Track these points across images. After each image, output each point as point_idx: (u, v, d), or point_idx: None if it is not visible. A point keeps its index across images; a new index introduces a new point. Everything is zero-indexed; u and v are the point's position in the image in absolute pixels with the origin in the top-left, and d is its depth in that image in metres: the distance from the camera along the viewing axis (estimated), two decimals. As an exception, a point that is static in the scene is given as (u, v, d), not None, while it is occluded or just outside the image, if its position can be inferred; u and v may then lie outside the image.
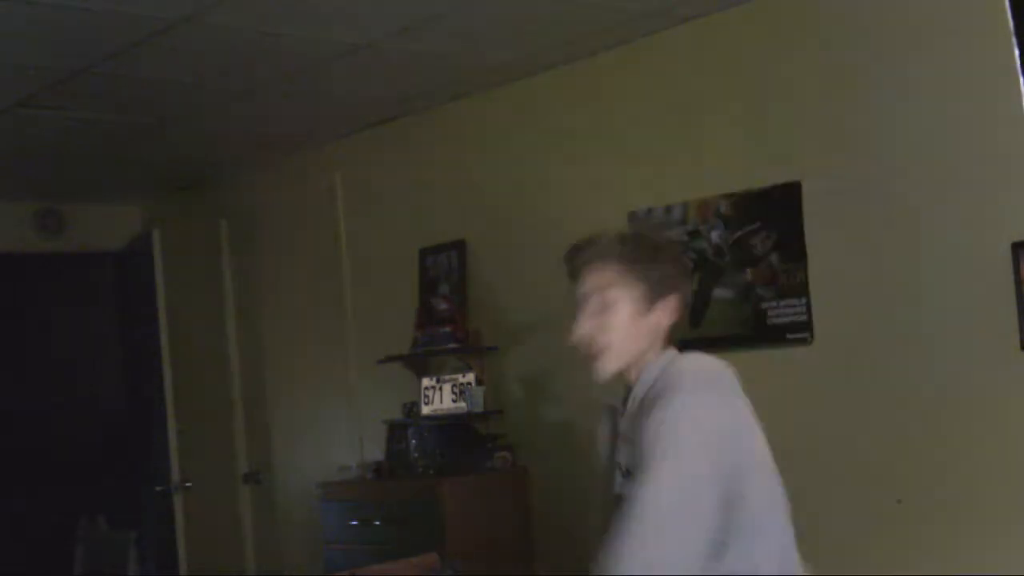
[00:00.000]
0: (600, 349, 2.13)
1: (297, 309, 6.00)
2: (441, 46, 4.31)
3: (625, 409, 2.16)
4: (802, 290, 3.88)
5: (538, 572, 4.64)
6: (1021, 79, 3.36)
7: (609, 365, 2.14)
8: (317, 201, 5.80)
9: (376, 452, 5.29)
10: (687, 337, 3.97)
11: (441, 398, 4.95)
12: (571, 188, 4.62)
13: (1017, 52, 3.36)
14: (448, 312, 5.00)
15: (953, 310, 3.55)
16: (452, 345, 4.91)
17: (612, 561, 1.93)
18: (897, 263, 3.69)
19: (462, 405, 4.86)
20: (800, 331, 3.89)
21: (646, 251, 2.17)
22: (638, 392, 2.12)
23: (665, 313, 2.16)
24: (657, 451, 1.95)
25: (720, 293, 4.11)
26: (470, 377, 4.87)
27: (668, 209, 4.26)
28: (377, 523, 4.75)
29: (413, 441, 5.04)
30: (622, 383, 2.20)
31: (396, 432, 5.19)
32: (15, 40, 3.93)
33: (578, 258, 2.17)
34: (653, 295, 2.15)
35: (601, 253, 2.16)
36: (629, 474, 2.07)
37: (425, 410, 4.99)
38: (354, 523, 4.86)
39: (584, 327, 2.14)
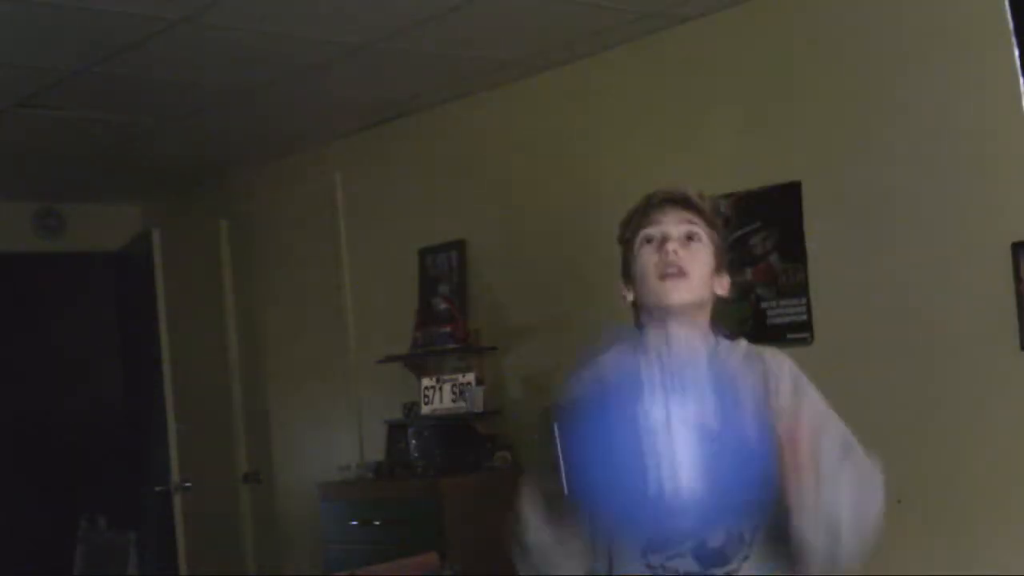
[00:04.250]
0: (687, 272, 2.05)
1: (297, 309, 5.99)
2: (441, 46, 4.31)
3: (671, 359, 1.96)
4: (802, 290, 3.89)
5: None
6: (1021, 79, 3.36)
7: (692, 292, 2.05)
8: (317, 201, 5.80)
9: (376, 452, 5.29)
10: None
11: (441, 398, 4.94)
12: (571, 188, 4.62)
13: (1017, 52, 3.36)
14: (448, 312, 5.00)
15: (953, 310, 3.55)
16: (452, 345, 4.91)
17: None
18: (897, 263, 3.68)
19: (462, 405, 4.86)
20: (800, 331, 3.89)
21: (720, 217, 2.21)
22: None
23: (722, 284, 2.11)
24: None
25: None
26: (470, 377, 4.86)
27: (668, 209, 4.26)
28: (377, 523, 4.75)
29: (413, 441, 5.04)
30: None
31: (396, 432, 5.19)
32: (15, 40, 3.93)
33: (676, 200, 2.22)
34: (720, 261, 2.12)
35: (693, 202, 2.22)
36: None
37: (425, 410, 4.99)
38: (354, 523, 4.86)
39: (676, 246, 2.09)
